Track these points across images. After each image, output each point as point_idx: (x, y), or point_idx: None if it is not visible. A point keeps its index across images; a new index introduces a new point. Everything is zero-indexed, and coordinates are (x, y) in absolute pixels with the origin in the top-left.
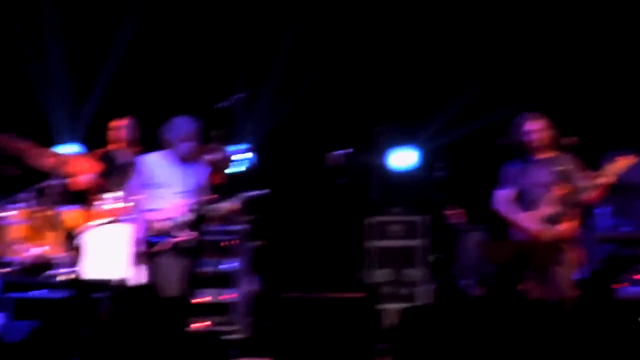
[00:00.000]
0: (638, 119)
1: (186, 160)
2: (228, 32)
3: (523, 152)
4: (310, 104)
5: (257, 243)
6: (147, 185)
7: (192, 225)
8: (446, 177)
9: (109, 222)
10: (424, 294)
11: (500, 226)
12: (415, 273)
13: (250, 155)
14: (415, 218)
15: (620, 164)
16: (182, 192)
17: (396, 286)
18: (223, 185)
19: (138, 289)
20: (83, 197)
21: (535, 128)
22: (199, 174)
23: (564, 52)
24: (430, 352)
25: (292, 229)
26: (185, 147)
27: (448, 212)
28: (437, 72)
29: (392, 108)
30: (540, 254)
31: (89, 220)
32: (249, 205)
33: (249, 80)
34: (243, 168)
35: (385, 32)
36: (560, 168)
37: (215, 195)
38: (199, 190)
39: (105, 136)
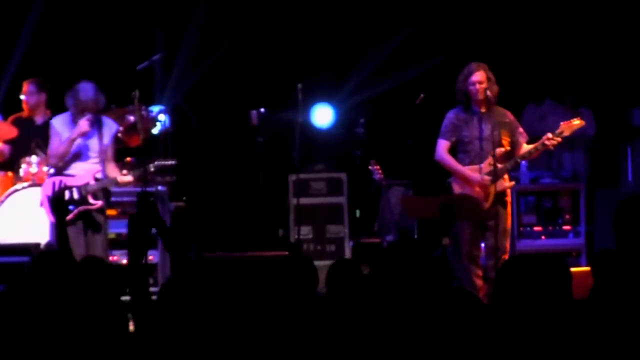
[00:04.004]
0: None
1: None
2: None
3: (466, 101)
4: (230, 63)
5: (177, 204)
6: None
7: (98, 193)
8: (366, 133)
9: (32, 186)
10: (349, 250)
11: (421, 181)
12: (339, 230)
13: (164, 117)
14: (339, 175)
15: (571, 127)
16: (87, 159)
17: (321, 243)
18: (140, 148)
19: (61, 252)
20: (5, 162)
21: (481, 79)
22: (103, 140)
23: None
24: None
25: (213, 189)
26: (81, 116)
27: (370, 168)
28: (355, 28)
29: (311, 65)
30: (463, 208)
31: (11, 184)
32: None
33: (167, 39)
34: (157, 131)
35: None
36: (504, 122)
37: (130, 159)
38: (103, 156)
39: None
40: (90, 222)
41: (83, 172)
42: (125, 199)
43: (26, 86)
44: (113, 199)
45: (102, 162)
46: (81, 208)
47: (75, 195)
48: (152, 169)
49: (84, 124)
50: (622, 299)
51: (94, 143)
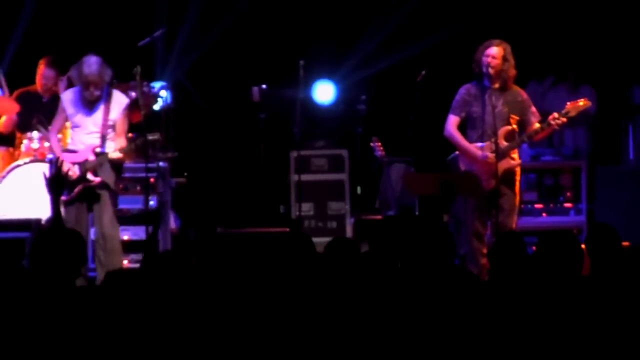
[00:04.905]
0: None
1: (93, 101)
2: None
3: (480, 73)
4: (231, 39)
5: (178, 180)
6: (70, 123)
7: (98, 169)
8: (367, 110)
9: (33, 162)
10: (350, 227)
11: (423, 158)
12: (341, 206)
13: (165, 93)
14: (341, 151)
15: (577, 107)
16: (91, 133)
17: (322, 220)
18: (141, 124)
19: (62, 228)
20: (6, 138)
21: (496, 55)
22: (109, 113)
23: None
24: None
25: (215, 165)
26: (86, 91)
27: (371, 145)
28: (357, 4)
29: (313, 41)
30: (463, 185)
31: (12, 160)
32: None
33: (169, 16)
34: (158, 107)
35: None
36: (516, 101)
37: (131, 134)
38: (106, 130)
39: (26, 77)
40: (93, 199)
41: (84, 147)
42: (127, 175)
43: (45, 69)
44: None
45: (103, 136)
46: (80, 186)
47: (77, 172)
48: (136, 145)
49: (73, 173)
50: (618, 275)
51: (98, 116)
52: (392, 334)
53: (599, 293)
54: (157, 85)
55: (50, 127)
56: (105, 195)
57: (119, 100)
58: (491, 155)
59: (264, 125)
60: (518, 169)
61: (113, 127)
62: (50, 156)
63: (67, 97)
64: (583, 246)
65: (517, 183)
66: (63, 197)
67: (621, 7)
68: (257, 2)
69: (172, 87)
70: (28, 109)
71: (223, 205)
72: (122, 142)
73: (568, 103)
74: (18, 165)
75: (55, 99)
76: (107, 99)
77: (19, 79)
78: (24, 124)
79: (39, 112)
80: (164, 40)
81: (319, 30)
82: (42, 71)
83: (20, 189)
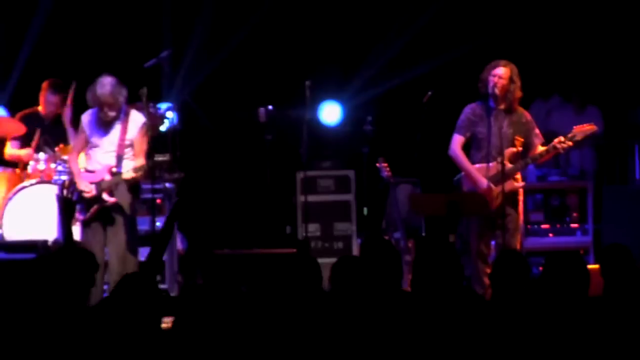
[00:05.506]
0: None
1: (109, 121)
2: None
3: (485, 93)
4: (238, 60)
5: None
6: (88, 144)
7: (114, 188)
8: (374, 131)
9: (40, 183)
10: (357, 248)
11: (429, 179)
12: (347, 227)
13: (172, 114)
14: (347, 172)
15: (583, 131)
16: (107, 153)
17: (329, 241)
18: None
19: (69, 250)
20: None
21: (503, 75)
22: (126, 133)
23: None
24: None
25: (221, 186)
26: (100, 111)
27: (377, 166)
28: (363, 25)
29: (319, 62)
30: (469, 205)
31: (19, 181)
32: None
33: (175, 37)
34: (164, 128)
35: None
36: (520, 122)
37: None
38: (122, 150)
39: (32, 98)
40: (109, 220)
41: (100, 167)
42: None
43: (48, 94)
44: None
45: (119, 156)
46: (96, 207)
47: (93, 192)
48: (148, 166)
49: (86, 186)
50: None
51: (114, 136)
52: (396, 354)
53: (612, 313)
54: (163, 106)
55: (70, 148)
56: (120, 216)
57: (136, 120)
58: (494, 188)
59: (270, 146)
60: (521, 190)
61: (131, 146)
62: (56, 177)
63: (85, 118)
64: (595, 267)
65: (521, 203)
66: (80, 217)
67: (627, 26)
68: (263, 23)
69: (179, 108)
70: (32, 130)
71: (229, 226)
72: (141, 161)
73: (574, 127)
74: (24, 187)
75: (58, 121)
76: (125, 118)
77: (24, 100)
78: (28, 145)
79: (43, 133)
80: (170, 61)
81: (325, 51)
82: (46, 96)
83: (27, 210)
